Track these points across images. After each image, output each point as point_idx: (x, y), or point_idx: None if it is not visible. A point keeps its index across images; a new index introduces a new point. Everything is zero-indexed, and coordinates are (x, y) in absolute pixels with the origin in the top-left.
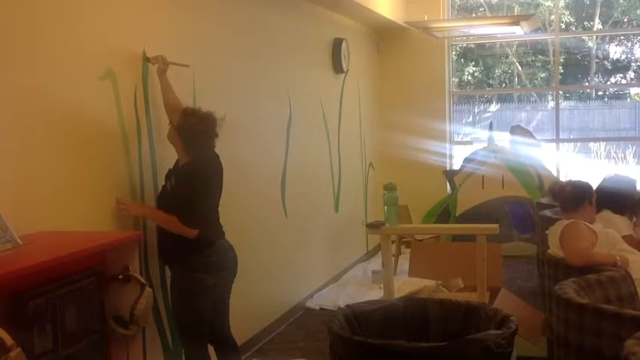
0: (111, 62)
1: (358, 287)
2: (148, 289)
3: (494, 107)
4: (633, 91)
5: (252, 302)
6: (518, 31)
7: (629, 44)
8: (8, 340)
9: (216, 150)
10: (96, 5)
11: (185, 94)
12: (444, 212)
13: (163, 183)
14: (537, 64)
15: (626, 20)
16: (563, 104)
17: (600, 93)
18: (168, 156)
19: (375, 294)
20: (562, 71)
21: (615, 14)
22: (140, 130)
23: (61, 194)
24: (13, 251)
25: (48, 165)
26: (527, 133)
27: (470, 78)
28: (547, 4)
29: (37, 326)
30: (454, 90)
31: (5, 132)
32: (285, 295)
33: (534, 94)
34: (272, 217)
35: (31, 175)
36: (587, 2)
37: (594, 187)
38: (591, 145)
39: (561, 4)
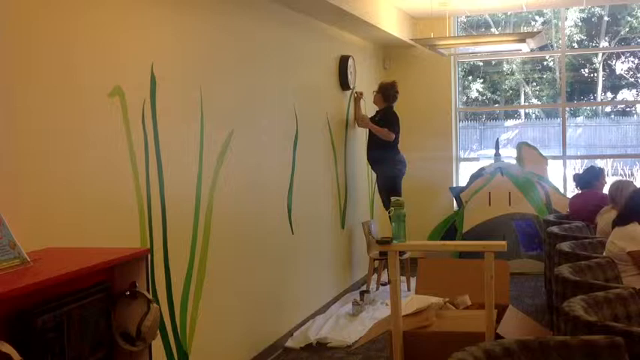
0: (119, 79)
1: (338, 319)
2: (154, 305)
3: (500, 124)
4: None
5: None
6: (525, 48)
7: (636, 61)
8: (16, 357)
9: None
10: (104, 22)
11: (192, 109)
12: (450, 229)
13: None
14: (544, 81)
15: (633, 37)
16: (570, 121)
17: (607, 110)
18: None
19: (355, 326)
20: (568, 89)
21: (622, 32)
22: (148, 146)
23: (69, 211)
24: (21, 267)
25: (55, 182)
26: (533, 150)
27: (477, 95)
28: (555, 21)
29: (45, 343)
30: (460, 107)
31: (13, 150)
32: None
33: (541, 111)
34: (279, 234)
35: (39, 192)
36: (595, 20)
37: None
38: (598, 162)
39: (571, 22)
